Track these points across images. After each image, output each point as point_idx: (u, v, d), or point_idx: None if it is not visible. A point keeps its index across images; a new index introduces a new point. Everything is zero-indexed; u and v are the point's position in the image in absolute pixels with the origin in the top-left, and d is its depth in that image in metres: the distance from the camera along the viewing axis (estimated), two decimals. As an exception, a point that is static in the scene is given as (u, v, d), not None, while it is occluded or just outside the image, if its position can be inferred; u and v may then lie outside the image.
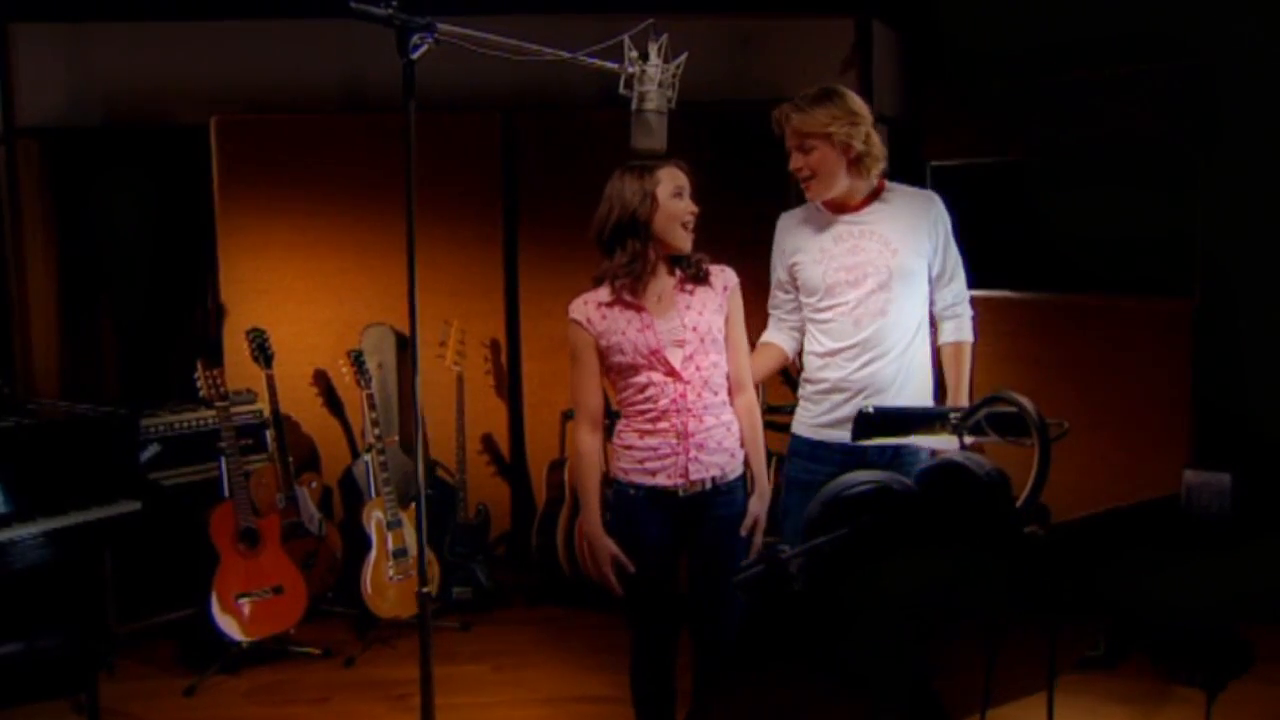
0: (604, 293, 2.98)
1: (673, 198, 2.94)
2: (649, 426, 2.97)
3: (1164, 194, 4.50)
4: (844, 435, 3.09)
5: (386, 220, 5.13)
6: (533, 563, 5.02)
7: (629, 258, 2.91)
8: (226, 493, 4.30)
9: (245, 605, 4.21)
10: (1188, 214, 4.38)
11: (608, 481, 3.12)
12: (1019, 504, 1.62)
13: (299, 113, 5.17)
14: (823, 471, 3.11)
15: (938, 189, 5.15)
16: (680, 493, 2.98)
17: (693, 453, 2.97)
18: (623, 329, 2.96)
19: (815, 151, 3.05)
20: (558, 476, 4.95)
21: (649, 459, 2.98)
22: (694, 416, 2.97)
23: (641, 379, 2.97)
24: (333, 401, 5.14)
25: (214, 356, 4.99)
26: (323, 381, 5.11)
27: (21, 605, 3.59)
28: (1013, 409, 1.75)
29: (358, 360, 4.62)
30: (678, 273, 3.02)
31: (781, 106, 3.09)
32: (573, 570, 4.84)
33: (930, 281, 3.17)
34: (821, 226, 3.18)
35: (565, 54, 2.43)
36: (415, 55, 2.13)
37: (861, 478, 1.49)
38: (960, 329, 3.23)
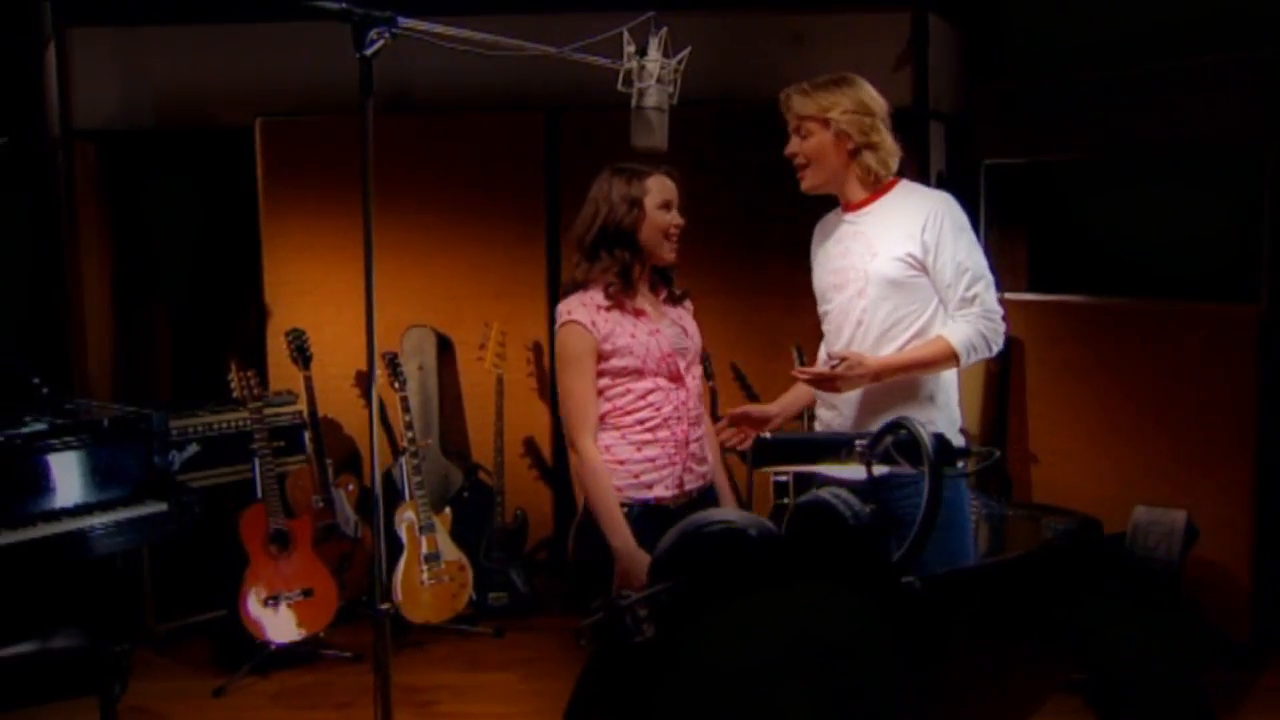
0: (598, 295, 2.88)
1: (660, 209, 2.88)
2: (648, 436, 2.87)
3: (1229, 193, 4.27)
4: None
5: (429, 221, 5.12)
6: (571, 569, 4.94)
7: (619, 266, 2.85)
8: (259, 494, 4.30)
9: (275, 607, 4.21)
10: (1254, 214, 4.15)
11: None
12: (900, 553, 1.46)
13: (342, 114, 5.16)
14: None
15: (991, 189, 5.02)
16: (672, 505, 2.89)
17: (688, 462, 2.90)
18: (630, 332, 2.88)
19: (811, 138, 2.88)
20: (596, 482, 4.87)
21: (645, 471, 2.88)
22: (691, 424, 2.91)
23: (646, 384, 2.89)
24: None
25: (261, 357, 5.03)
26: (365, 383, 5.09)
27: (44, 604, 3.62)
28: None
29: (392, 363, 4.61)
30: (662, 290, 2.98)
31: (786, 89, 2.93)
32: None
33: (940, 290, 2.86)
34: (831, 227, 3.05)
35: (552, 49, 2.34)
36: (369, 51, 2.07)
37: (714, 517, 1.37)
38: (955, 330, 2.82)
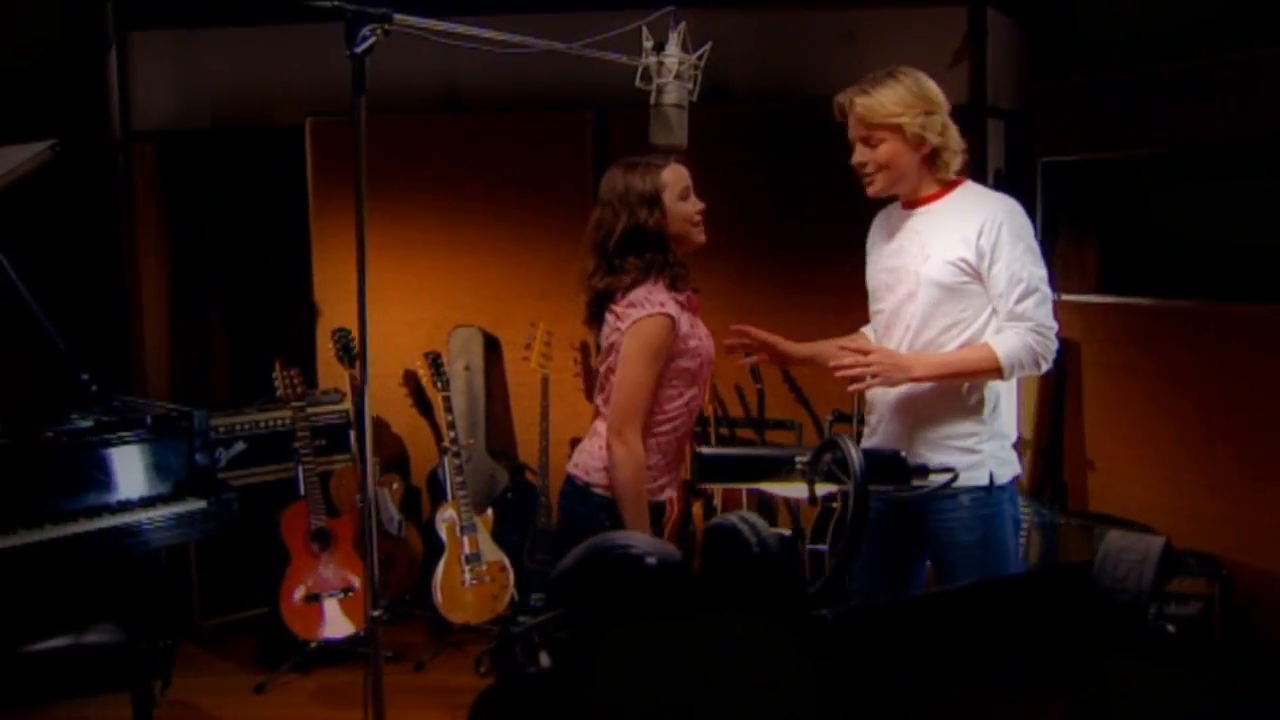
0: (665, 288, 2.78)
1: (680, 200, 2.81)
2: (673, 442, 2.86)
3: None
4: None
5: (477, 220, 5.11)
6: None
7: (658, 268, 2.77)
8: (301, 492, 4.33)
9: (315, 606, 4.23)
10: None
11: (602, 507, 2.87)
12: (819, 583, 1.37)
13: (390, 113, 5.19)
14: (874, 508, 2.90)
15: (1049, 187, 4.86)
16: (661, 504, 2.90)
17: (672, 470, 2.90)
18: (699, 334, 2.84)
19: (884, 145, 2.70)
20: (640, 484, 4.84)
21: (660, 475, 2.87)
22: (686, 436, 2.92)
23: (694, 390, 2.87)
24: (423, 402, 5.14)
25: (311, 356, 5.08)
26: (412, 382, 5.11)
27: (85, 600, 3.67)
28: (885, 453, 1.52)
29: (435, 363, 4.61)
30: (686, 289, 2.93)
31: (845, 91, 2.75)
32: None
33: (992, 299, 2.72)
34: (888, 223, 2.91)
35: (560, 45, 2.29)
36: (360, 48, 2.05)
37: (616, 541, 1.30)
38: (1003, 340, 2.67)
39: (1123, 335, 4.49)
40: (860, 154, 2.77)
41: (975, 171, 5.28)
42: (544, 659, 1.14)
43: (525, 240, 5.09)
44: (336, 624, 4.26)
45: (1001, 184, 5.41)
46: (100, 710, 3.37)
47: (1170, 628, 1.50)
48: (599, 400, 2.92)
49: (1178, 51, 4.40)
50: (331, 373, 4.93)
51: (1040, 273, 2.70)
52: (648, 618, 1.16)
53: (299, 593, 4.21)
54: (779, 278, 4.96)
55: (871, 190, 2.81)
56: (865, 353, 2.68)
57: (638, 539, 1.31)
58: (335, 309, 5.09)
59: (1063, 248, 4.81)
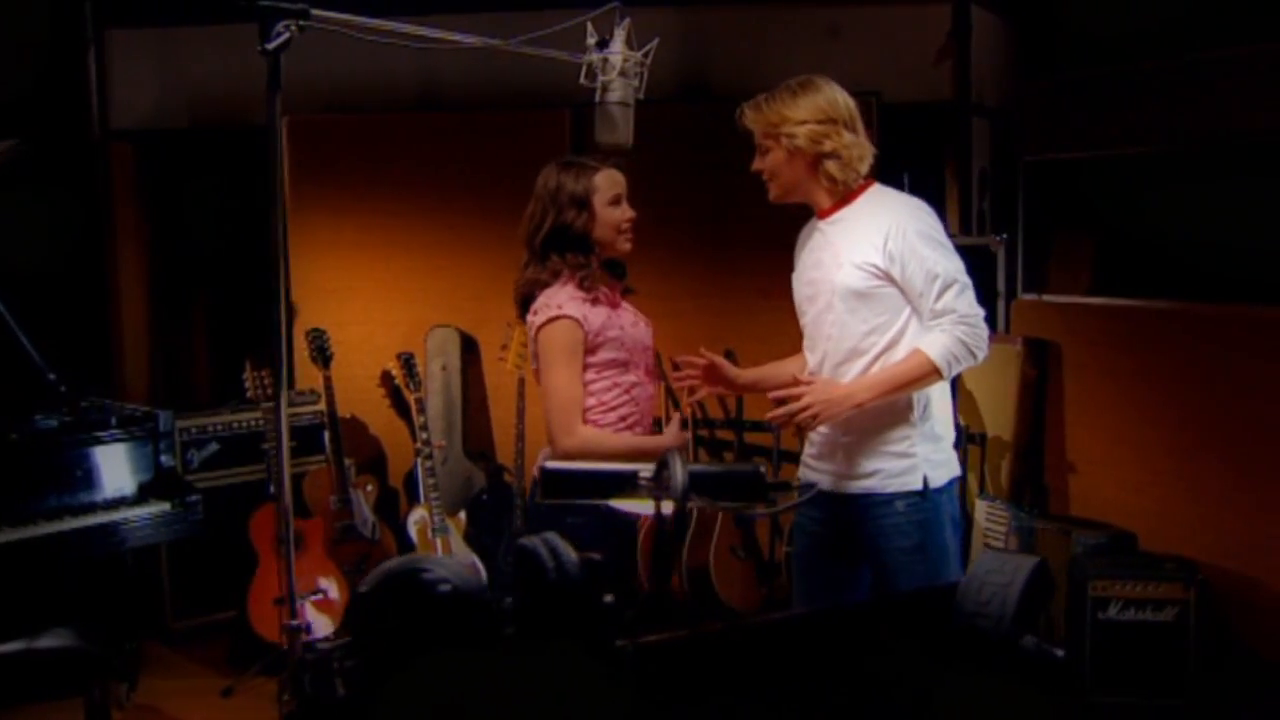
0: (574, 289, 2.79)
1: (610, 205, 2.81)
2: (626, 432, 2.83)
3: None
4: (816, 475, 2.84)
5: (455, 220, 5.07)
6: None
7: (573, 268, 2.77)
8: (272, 493, 4.29)
9: (283, 609, 4.18)
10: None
11: (571, 510, 2.88)
12: (630, 608, 1.31)
13: (369, 112, 5.16)
14: (811, 516, 2.86)
15: (1032, 187, 4.79)
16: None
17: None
18: (619, 323, 2.84)
19: (770, 154, 2.78)
20: (616, 486, 4.79)
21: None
22: (653, 422, 2.90)
23: (631, 378, 2.86)
24: (400, 403, 5.09)
25: (288, 356, 5.04)
26: (390, 382, 5.07)
27: (45, 602, 3.64)
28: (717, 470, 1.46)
29: (408, 363, 4.57)
30: (617, 284, 2.92)
31: (743, 104, 2.83)
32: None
33: (913, 301, 2.73)
34: (806, 237, 2.94)
35: (495, 42, 2.25)
36: (271, 45, 2.00)
37: (416, 565, 1.25)
38: (932, 342, 2.67)
39: (1105, 336, 4.41)
40: (756, 161, 2.84)
41: (959, 170, 5.25)
42: (339, 688, 1.09)
43: (503, 240, 4.95)
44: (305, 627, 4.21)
45: (988, 183, 5.36)
46: (58, 715, 3.33)
47: (1059, 652, 1.41)
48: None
49: (1165, 49, 4.33)
50: (308, 373, 4.89)
51: (954, 264, 2.71)
52: (445, 646, 1.11)
53: (267, 595, 4.17)
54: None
55: (770, 196, 2.87)
56: (799, 396, 2.66)
57: (442, 564, 1.26)
58: (310, 308, 5.05)
59: (1037, 247, 4.75)
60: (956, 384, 4.70)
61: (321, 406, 4.78)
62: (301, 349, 4.81)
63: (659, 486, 1.46)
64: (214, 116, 5.35)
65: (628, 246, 2.87)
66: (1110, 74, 4.47)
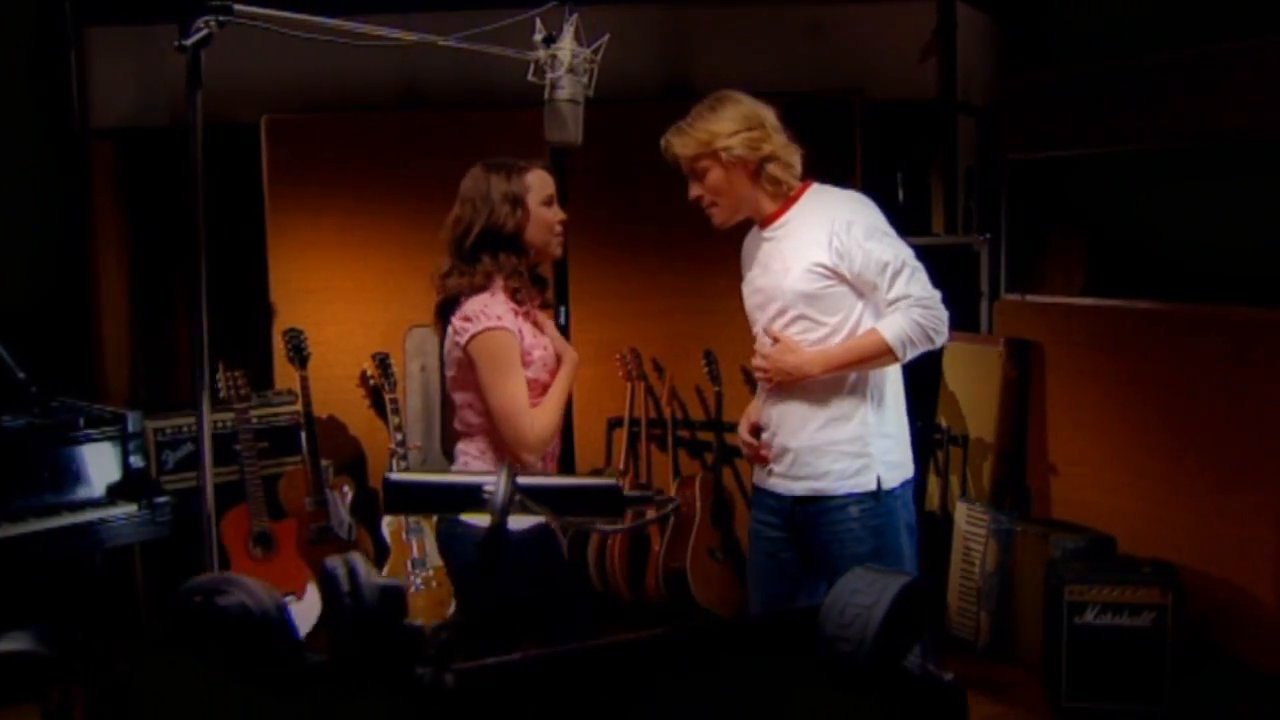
0: (506, 300, 2.69)
1: (544, 205, 2.73)
2: (549, 453, 2.76)
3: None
4: (770, 480, 2.79)
5: (436, 219, 4.99)
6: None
7: (505, 271, 2.67)
8: (246, 495, 4.26)
9: (255, 610, 4.15)
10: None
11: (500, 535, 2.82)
12: (445, 637, 1.25)
13: (347, 110, 5.12)
14: (766, 521, 2.81)
15: (1015, 186, 4.73)
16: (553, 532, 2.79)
17: (553, 472, 2.82)
18: (543, 343, 2.74)
19: (709, 174, 2.71)
20: (594, 488, 4.75)
21: None
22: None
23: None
24: (379, 403, 5.04)
25: (267, 356, 5.01)
26: (368, 383, 5.03)
27: (6, 608, 3.61)
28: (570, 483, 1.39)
29: (382, 364, 4.54)
30: (537, 296, 2.82)
31: (663, 137, 2.77)
32: (603, 585, 4.62)
33: (869, 295, 2.70)
34: (752, 247, 2.89)
35: (431, 38, 2.20)
36: (188, 41, 1.96)
37: (206, 585, 1.20)
38: (888, 324, 2.63)
39: (1088, 337, 4.36)
40: (693, 189, 2.77)
41: (944, 169, 5.19)
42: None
43: (484, 239, 5.00)
44: (277, 630, 4.18)
45: (974, 181, 5.30)
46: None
47: (948, 675, 1.35)
48: (456, 423, 2.80)
49: (1153, 45, 4.27)
50: (288, 373, 4.86)
51: (902, 251, 2.66)
52: (232, 673, 1.07)
53: (239, 598, 4.13)
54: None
55: (716, 222, 2.80)
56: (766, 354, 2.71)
57: (244, 586, 1.21)
58: (289, 308, 5.01)
59: (1019, 247, 4.69)
60: (939, 384, 4.66)
61: (298, 407, 4.75)
62: (279, 349, 4.78)
63: (503, 501, 1.40)
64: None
65: (559, 251, 2.80)
66: (1094, 71, 4.42)
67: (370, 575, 1.24)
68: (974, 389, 4.55)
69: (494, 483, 1.35)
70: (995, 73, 5.28)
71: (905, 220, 5.19)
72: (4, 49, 5.06)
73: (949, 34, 5.07)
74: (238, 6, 1.98)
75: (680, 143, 2.71)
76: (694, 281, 4.97)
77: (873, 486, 2.64)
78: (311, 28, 2.07)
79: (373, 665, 1.18)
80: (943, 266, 4.92)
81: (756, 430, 2.85)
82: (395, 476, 1.57)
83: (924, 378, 4.63)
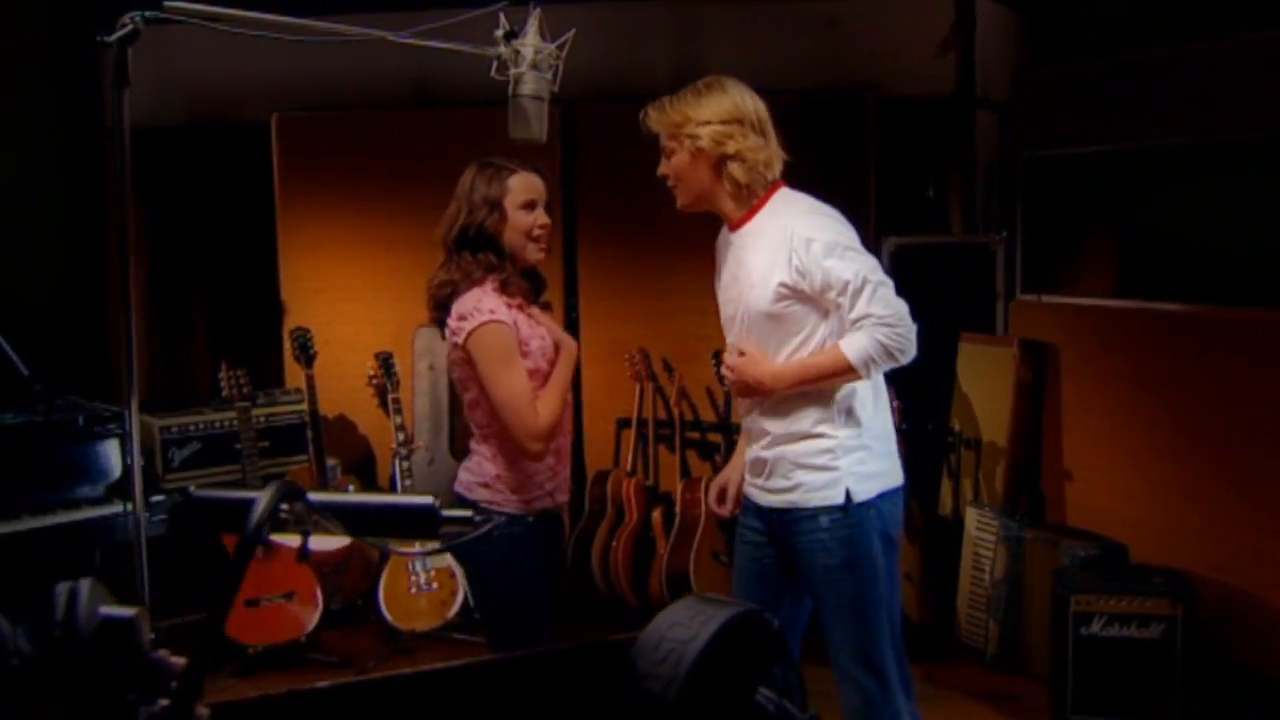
0: (496, 293, 2.68)
1: (521, 209, 2.71)
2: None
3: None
4: (752, 490, 2.73)
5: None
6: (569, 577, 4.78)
7: (483, 269, 2.66)
8: (246, 494, 4.25)
9: (255, 610, 4.14)
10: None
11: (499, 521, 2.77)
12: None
13: (358, 109, 5.11)
14: (751, 527, 2.75)
15: (1029, 185, 4.60)
16: (559, 511, 2.86)
17: (564, 471, 2.81)
18: (540, 334, 2.73)
19: (675, 156, 2.65)
20: (599, 490, 4.71)
21: (548, 480, 2.76)
22: (566, 434, 2.82)
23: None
24: (388, 403, 5.04)
25: (278, 354, 5.01)
26: (373, 382, 5.02)
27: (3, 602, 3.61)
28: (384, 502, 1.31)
29: (385, 363, 4.52)
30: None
31: (645, 107, 2.71)
32: (606, 586, 4.57)
33: (833, 311, 2.61)
34: (723, 250, 2.81)
35: (380, 33, 2.16)
36: (111, 38, 1.93)
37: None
38: (850, 341, 2.54)
39: (1105, 339, 4.24)
40: (661, 165, 2.72)
41: (964, 166, 5.08)
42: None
43: (492, 238, 4.96)
44: (276, 629, 4.17)
45: (993, 178, 5.17)
46: None
47: (810, 713, 1.22)
48: (470, 424, 2.84)
49: (1174, 39, 4.13)
50: (299, 372, 4.85)
51: (864, 265, 2.55)
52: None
53: (239, 597, 4.13)
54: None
55: (679, 203, 2.74)
56: (733, 366, 2.68)
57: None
58: (299, 307, 5.01)
59: (1036, 247, 4.57)
60: (953, 386, 4.56)
61: (304, 406, 4.74)
62: (287, 347, 4.78)
63: (291, 519, 1.34)
64: (209, 114, 5.33)
65: (539, 255, 2.76)
66: (1112, 65, 4.29)
67: (94, 604, 1.19)
68: (988, 391, 4.44)
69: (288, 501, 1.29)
70: (1016, 68, 5.16)
71: (927, 218, 5.13)
72: (22, 48, 5.10)
73: (968, 27, 4.95)
74: (168, 3, 1.94)
75: (656, 118, 2.66)
76: (704, 282, 4.88)
77: (841, 500, 2.56)
78: (248, 23, 2.03)
79: (78, 693, 1.13)
80: (959, 266, 4.87)
81: (723, 493, 2.85)
82: (198, 492, 1.51)
83: (937, 379, 4.54)
